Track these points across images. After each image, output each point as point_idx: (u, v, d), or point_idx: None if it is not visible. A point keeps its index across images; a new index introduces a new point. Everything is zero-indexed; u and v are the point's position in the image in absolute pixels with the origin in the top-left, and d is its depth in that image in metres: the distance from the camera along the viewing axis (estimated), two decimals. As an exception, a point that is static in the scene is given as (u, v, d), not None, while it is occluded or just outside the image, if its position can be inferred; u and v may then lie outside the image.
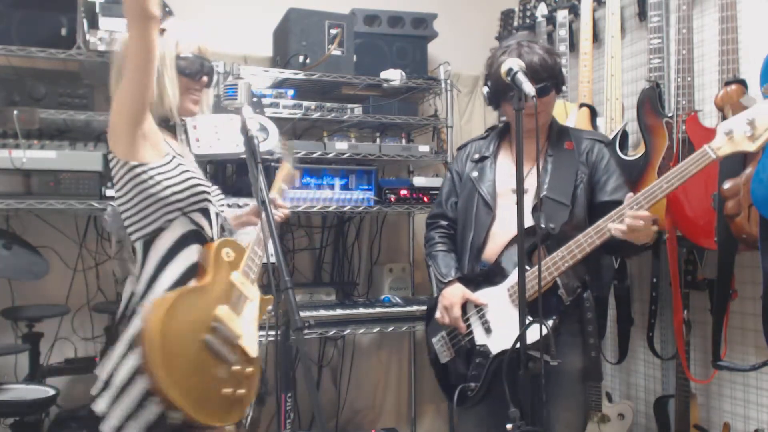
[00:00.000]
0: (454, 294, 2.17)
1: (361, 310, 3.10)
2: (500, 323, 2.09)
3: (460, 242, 2.30)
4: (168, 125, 1.83)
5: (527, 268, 1.97)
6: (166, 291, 1.70)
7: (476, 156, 2.32)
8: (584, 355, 2.08)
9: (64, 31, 2.74)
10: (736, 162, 2.18)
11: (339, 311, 3.05)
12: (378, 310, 3.13)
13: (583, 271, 2.07)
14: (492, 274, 2.15)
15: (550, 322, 1.98)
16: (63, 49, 2.69)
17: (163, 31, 1.73)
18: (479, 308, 2.15)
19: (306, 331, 1.44)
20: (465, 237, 2.26)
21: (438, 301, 2.23)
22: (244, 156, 1.66)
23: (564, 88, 2.80)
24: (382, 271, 3.47)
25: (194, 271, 1.75)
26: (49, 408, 2.64)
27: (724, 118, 2.23)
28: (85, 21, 2.70)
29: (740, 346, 2.44)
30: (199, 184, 1.78)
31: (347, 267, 3.56)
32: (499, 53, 2.16)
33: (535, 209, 2.10)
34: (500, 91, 2.16)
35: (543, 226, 2.05)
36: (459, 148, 2.46)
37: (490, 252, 2.18)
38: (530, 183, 2.12)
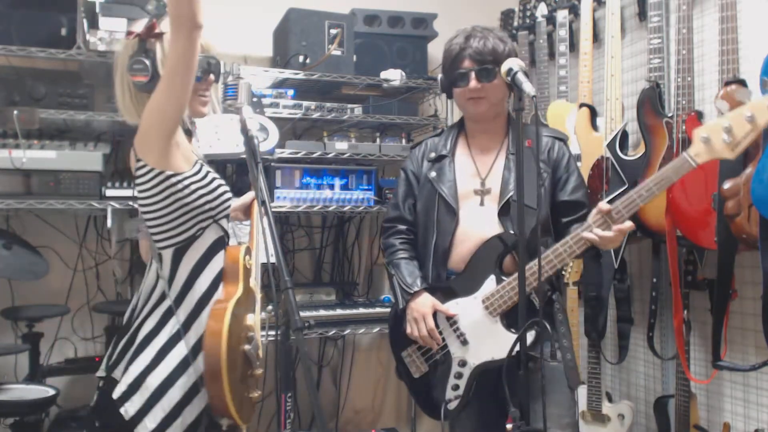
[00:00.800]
0: (424, 305, 2.07)
1: (361, 310, 3.10)
2: (477, 334, 2.02)
3: (422, 247, 2.19)
4: (185, 129, 1.79)
5: (503, 278, 2.01)
6: (201, 297, 1.68)
7: (432, 155, 2.22)
8: (563, 364, 2.02)
9: (64, 31, 2.74)
10: (736, 162, 2.18)
11: (339, 311, 3.05)
12: (378, 310, 3.13)
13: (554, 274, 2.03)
14: (460, 283, 2.07)
15: (534, 330, 1.90)
16: (63, 49, 2.69)
17: (161, 34, 1.68)
18: (451, 320, 2.06)
19: (306, 331, 1.44)
20: (427, 242, 2.16)
21: (405, 314, 2.12)
22: (244, 156, 1.66)
23: (562, 88, 2.76)
24: (382, 271, 3.47)
25: (221, 276, 1.73)
26: (49, 408, 2.64)
27: (724, 118, 2.23)
28: (85, 21, 2.70)
29: (740, 346, 2.44)
30: (227, 191, 1.76)
31: (347, 267, 3.56)
32: (453, 37, 2.15)
33: (503, 212, 2.07)
34: (450, 79, 2.13)
35: (512, 232, 2.01)
36: (412, 147, 2.35)
37: (457, 259, 2.09)
38: (492, 182, 2.10)
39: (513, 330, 1.95)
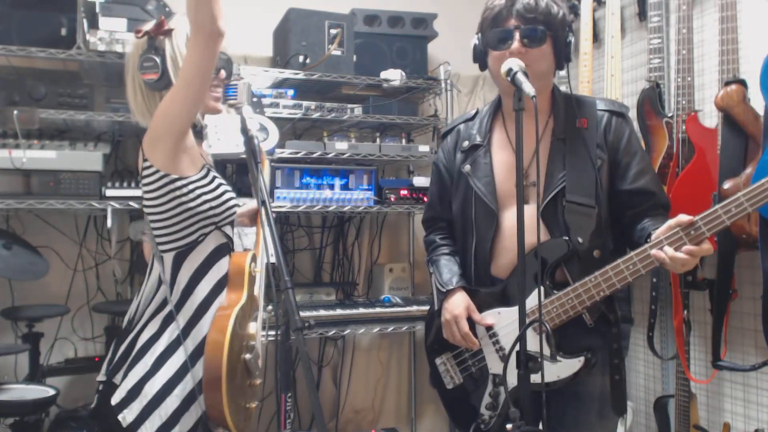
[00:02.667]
0: (457, 305, 1.85)
1: (361, 310, 3.10)
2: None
3: (462, 250, 1.96)
4: (195, 131, 1.78)
5: (554, 291, 1.74)
6: (201, 303, 1.67)
7: (465, 144, 1.93)
8: (606, 377, 1.80)
9: (64, 31, 2.73)
10: (736, 162, 2.18)
11: (339, 311, 3.05)
12: (378, 310, 3.13)
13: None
14: (504, 293, 1.83)
15: (583, 358, 1.72)
16: (63, 49, 2.68)
17: (170, 31, 1.67)
18: (491, 331, 1.84)
19: (306, 331, 1.43)
20: (466, 245, 1.92)
21: (440, 316, 1.91)
22: (244, 156, 1.66)
23: (562, 88, 2.56)
24: (382, 271, 3.47)
25: (224, 283, 1.71)
26: (49, 408, 2.64)
27: (724, 117, 2.23)
28: (85, 21, 2.70)
29: (740, 346, 2.44)
30: (232, 197, 1.76)
31: (347, 267, 3.56)
32: None
33: (549, 210, 1.76)
34: (488, 40, 1.80)
35: (566, 238, 1.72)
36: (443, 135, 2.05)
37: (501, 266, 1.85)
38: (534, 174, 1.73)
39: (559, 351, 1.71)
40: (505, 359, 1.81)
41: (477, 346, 1.86)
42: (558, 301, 1.73)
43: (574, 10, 3.06)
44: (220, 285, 1.71)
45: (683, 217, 1.60)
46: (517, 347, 1.49)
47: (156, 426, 1.59)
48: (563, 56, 1.80)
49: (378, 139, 3.30)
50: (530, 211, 1.70)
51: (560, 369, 1.71)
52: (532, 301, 1.68)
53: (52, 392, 2.55)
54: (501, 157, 1.88)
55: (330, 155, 3.07)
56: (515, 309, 1.72)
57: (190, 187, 1.65)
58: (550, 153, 1.81)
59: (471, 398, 1.88)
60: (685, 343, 2.48)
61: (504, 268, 1.85)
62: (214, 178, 1.73)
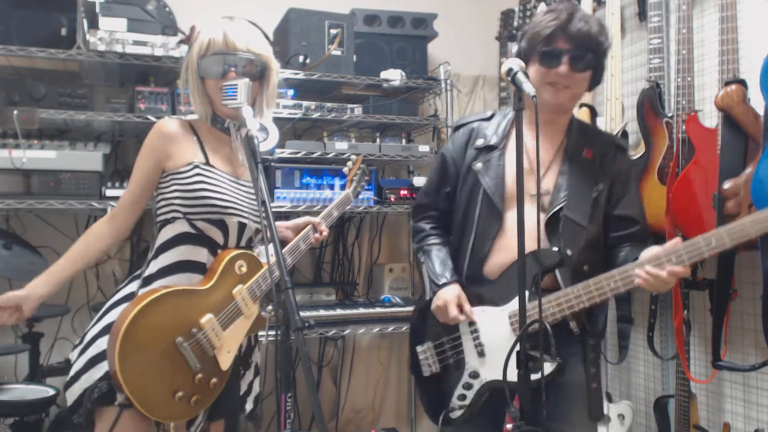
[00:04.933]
0: (450, 293, 1.91)
1: (361, 310, 3.10)
2: (495, 349, 1.87)
3: (457, 244, 2.01)
4: (224, 127, 1.88)
5: (536, 296, 1.80)
6: (148, 276, 1.81)
7: (480, 142, 1.97)
8: (585, 366, 1.90)
9: (64, 31, 2.74)
10: (736, 162, 2.18)
11: (339, 311, 3.05)
12: (378, 310, 3.13)
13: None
14: (492, 292, 1.90)
15: (556, 364, 1.78)
16: (63, 49, 2.69)
17: (195, 35, 1.82)
18: (473, 326, 1.92)
19: (306, 331, 1.44)
20: (463, 241, 1.97)
21: (430, 305, 1.98)
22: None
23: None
24: (382, 271, 3.47)
25: (183, 268, 1.81)
26: (49, 408, 2.64)
27: (724, 118, 2.23)
28: (85, 21, 2.70)
29: (740, 346, 2.44)
30: (210, 197, 1.80)
31: (347, 267, 3.56)
32: (550, 10, 1.88)
33: (550, 223, 1.85)
34: (538, 53, 1.85)
35: (556, 249, 1.82)
36: (457, 127, 2.07)
37: (494, 266, 1.91)
38: (546, 185, 1.88)
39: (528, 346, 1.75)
40: (483, 355, 1.90)
41: (463, 320, 1.91)
42: (545, 305, 1.80)
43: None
44: (170, 269, 1.80)
45: (661, 248, 1.73)
46: (517, 347, 1.52)
47: (81, 364, 1.76)
48: (596, 82, 1.94)
49: (378, 139, 3.30)
50: (532, 216, 1.70)
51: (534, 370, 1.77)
52: (514, 305, 1.80)
53: (52, 392, 2.55)
54: (513, 161, 1.84)
55: (330, 155, 3.07)
56: (499, 309, 1.87)
57: (168, 178, 1.82)
58: (560, 168, 1.92)
59: (444, 388, 1.96)
60: (685, 343, 2.48)
61: (496, 268, 1.91)
62: (198, 174, 1.81)
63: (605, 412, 2.79)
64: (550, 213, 1.86)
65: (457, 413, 1.92)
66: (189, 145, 1.83)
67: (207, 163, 1.83)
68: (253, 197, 1.90)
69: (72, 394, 1.75)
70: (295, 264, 3.42)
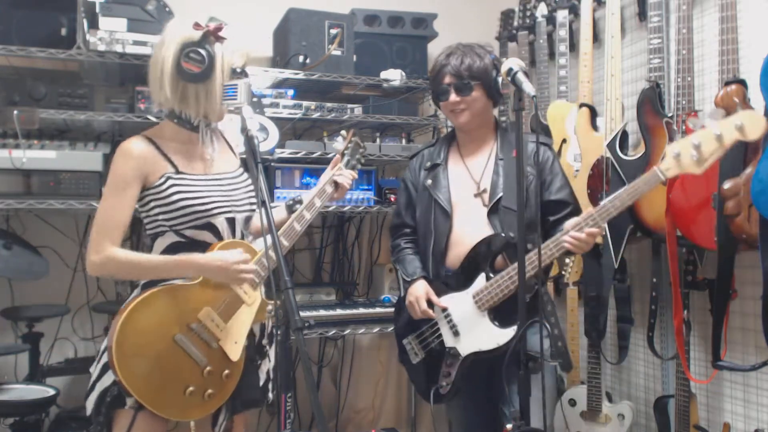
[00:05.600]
0: (418, 289, 2.26)
1: (361, 310, 3.10)
2: (467, 327, 2.18)
3: (422, 250, 2.36)
4: (192, 126, 1.86)
5: (491, 275, 2.16)
6: (144, 283, 1.82)
7: (428, 164, 2.39)
8: (552, 346, 2.16)
9: (64, 31, 2.74)
10: (736, 162, 2.18)
11: (339, 311, 3.05)
12: (378, 310, 3.13)
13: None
14: (455, 281, 2.22)
15: (515, 327, 2.02)
16: (63, 49, 2.69)
17: (223, 39, 1.79)
18: (445, 312, 2.22)
19: (306, 331, 1.44)
20: (426, 244, 2.32)
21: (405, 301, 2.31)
22: (244, 156, 1.66)
23: (562, 88, 2.81)
24: (382, 271, 3.47)
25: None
26: (49, 408, 2.64)
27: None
28: (85, 21, 2.70)
29: (740, 346, 2.44)
30: (189, 205, 1.81)
31: (347, 267, 3.56)
32: (439, 54, 2.32)
33: (492, 213, 2.22)
34: (435, 93, 2.32)
35: (503, 234, 2.17)
36: (411, 157, 2.52)
37: (453, 258, 2.25)
38: (485, 184, 2.26)
39: (497, 323, 2.14)
40: (458, 334, 2.20)
41: (434, 316, 2.24)
42: (495, 284, 2.13)
43: (574, 10, 3.07)
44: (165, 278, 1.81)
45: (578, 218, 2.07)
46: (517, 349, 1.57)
47: (97, 371, 1.78)
48: (495, 94, 2.26)
49: (378, 139, 3.30)
50: (479, 212, 2.23)
51: (498, 337, 2.11)
52: (476, 287, 2.17)
53: (52, 392, 2.55)
54: (454, 173, 2.34)
55: (330, 155, 3.07)
56: (464, 293, 2.20)
57: (145, 196, 1.83)
58: (494, 169, 2.27)
59: (432, 371, 2.26)
60: (685, 343, 2.48)
61: (455, 260, 2.25)
62: (172, 186, 1.81)
63: (602, 409, 2.80)
64: (490, 206, 2.22)
65: (445, 389, 2.22)
66: (157, 160, 1.82)
67: (177, 171, 1.82)
68: (232, 186, 1.91)
69: (90, 403, 1.77)
70: (295, 264, 3.46)
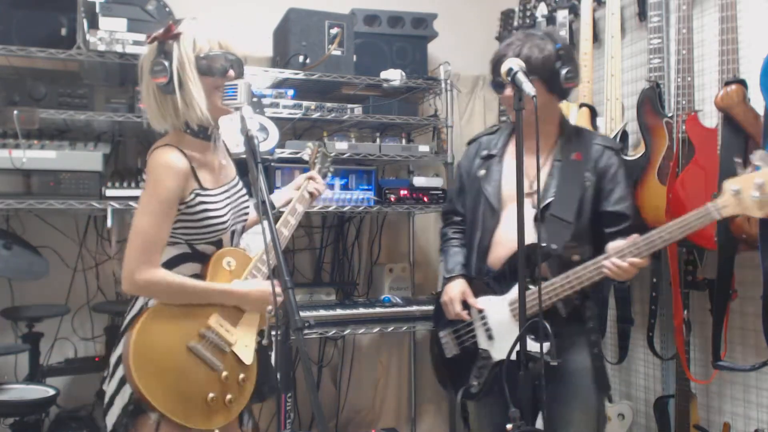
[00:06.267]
0: (453, 289, 2.19)
1: (361, 310, 3.10)
2: (501, 333, 2.11)
3: (468, 241, 2.28)
4: (206, 135, 1.82)
5: (530, 287, 1.98)
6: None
7: (484, 153, 2.27)
8: (588, 352, 2.10)
9: (64, 31, 2.73)
10: (736, 162, 2.18)
11: (339, 311, 3.05)
12: (378, 310, 3.13)
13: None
14: (496, 282, 2.15)
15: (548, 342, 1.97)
16: (63, 49, 2.68)
17: (178, 35, 1.72)
18: (481, 313, 2.16)
19: (306, 331, 1.44)
20: (472, 237, 2.24)
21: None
22: (244, 156, 1.66)
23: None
24: (382, 271, 3.47)
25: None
26: (49, 408, 2.64)
27: (724, 118, 2.23)
28: (85, 21, 2.70)
29: (740, 346, 2.44)
30: (213, 224, 1.79)
31: (347, 267, 3.56)
32: (501, 44, 2.18)
33: (537, 220, 2.06)
34: (493, 86, 2.20)
35: (544, 245, 2.03)
36: (469, 143, 2.41)
37: (494, 258, 2.16)
38: (536, 186, 2.06)
39: (531, 335, 1.96)
40: (492, 338, 2.14)
41: (467, 318, 2.18)
42: (532, 296, 1.97)
43: (574, 10, 3.07)
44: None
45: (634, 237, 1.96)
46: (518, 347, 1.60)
47: (113, 388, 1.75)
48: (556, 87, 2.08)
49: (378, 139, 3.30)
50: (528, 213, 1.99)
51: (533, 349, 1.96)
52: (513, 294, 2.05)
53: (52, 392, 2.55)
54: (509, 166, 2.16)
55: (330, 155, 3.06)
56: (501, 298, 2.11)
57: (178, 213, 1.77)
58: (550, 170, 2.14)
59: (464, 368, 2.22)
60: (685, 343, 2.48)
61: (496, 260, 2.15)
62: (200, 203, 1.77)
63: (606, 408, 2.79)
64: (537, 210, 2.07)
65: (475, 388, 2.16)
66: (189, 175, 1.77)
67: (201, 187, 1.79)
68: (236, 196, 1.90)
69: (111, 417, 1.74)
70: (295, 264, 3.45)
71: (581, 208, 2.09)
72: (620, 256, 1.93)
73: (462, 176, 2.35)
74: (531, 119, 2.01)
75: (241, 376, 1.80)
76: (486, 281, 2.17)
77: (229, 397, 1.77)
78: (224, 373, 1.76)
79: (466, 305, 2.18)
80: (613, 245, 1.97)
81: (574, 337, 2.09)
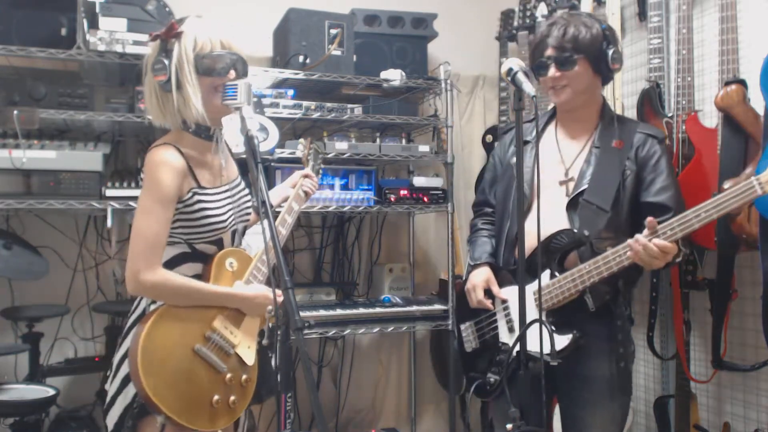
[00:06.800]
0: (477, 277, 2.14)
1: (361, 310, 3.10)
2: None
3: (498, 231, 2.22)
4: (208, 135, 1.82)
5: (556, 274, 1.96)
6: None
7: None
8: (612, 363, 2.00)
9: (64, 31, 2.73)
10: (736, 162, 2.18)
11: (339, 311, 3.05)
12: (378, 310, 3.12)
13: (615, 278, 1.95)
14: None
15: (571, 336, 1.92)
16: (63, 49, 2.68)
17: (179, 34, 1.73)
18: (504, 304, 2.09)
19: (306, 331, 1.44)
20: (502, 227, 2.17)
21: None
22: (244, 156, 1.66)
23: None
24: (382, 271, 3.47)
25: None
26: (49, 408, 2.64)
27: (724, 118, 2.23)
28: (85, 21, 2.70)
29: (740, 346, 2.44)
30: (211, 222, 1.79)
31: (347, 267, 3.56)
32: (540, 26, 2.14)
33: (571, 207, 2.00)
34: (534, 69, 2.09)
35: (576, 231, 1.95)
36: (504, 132, 2.35)
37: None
38: (573, 174, 2.04)
39: (554, 328, 1.92)
40: (513, 330, 2.06)
41: (490, 308, 2.11)
42: (557, 284, 1.95)
43: (574, 10, 3.06)
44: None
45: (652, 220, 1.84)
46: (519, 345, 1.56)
47: (115, 387, 1.75)
48: (603, 68, 2.04)
49: (378, 139, 3.30)
50: (561, 201, 2.01)
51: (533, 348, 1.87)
52: (536, 284, 1.86)
53: (52, 392, 2.55)
54: (545, 152, 2.10)
55: (330, 155, 3.07)
56: (527, 287, 1.83)
57: (176, 212, 1.77)
58: (587, 158, 2.05)
59: (483, 362, 2.15)
60: (685, 343, 2.48)
61: (527, 248, 1.99)
62: (198, 202, 1.77)
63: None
64: (571, 197, 2.01)
65: (492, 383, 2.10)
66: (187, 173, 1.77)
67: (199, 186, 1.79)
68: (238, 196, 1.90)
69: (112, 417, 1.74)
70: (295, 264, 3.45)
71: (619, 197, 1.99)
72: (649, 235, 1.80)
73: (496, 165, 2.29)
74: (574, 103, 2.05)
75: (244, 377, 1.81)
76: (512, 271, 2.09)
77: (232, 398, 1.77)
78: (228, 375, 1.76)
79: (490, 294, 2.12)
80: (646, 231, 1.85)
81: (601, 342, 1.99)
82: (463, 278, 2.26)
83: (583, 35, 2.00)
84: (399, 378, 3.63)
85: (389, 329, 3.12)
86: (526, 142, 2.15)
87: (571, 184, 2.03)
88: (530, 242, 1.95)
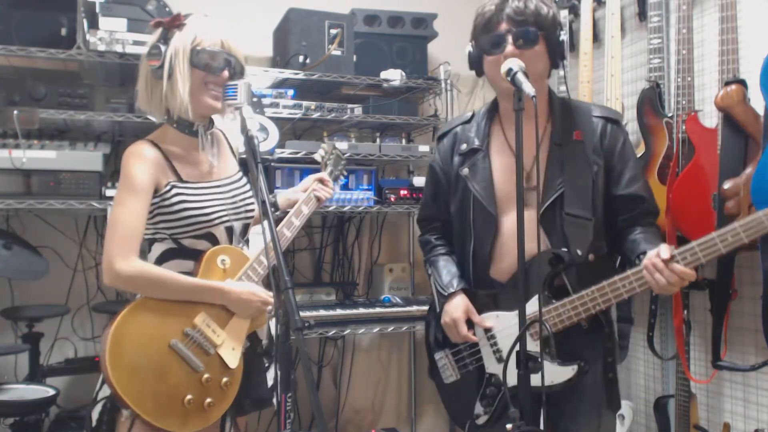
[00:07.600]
0: (456, 308, 1.90)
1: (361, 310, 3.10)
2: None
3: (459, 251, 1.99)
4: (191, 130, 1.83)
5: (553, 301, 1.79)
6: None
7: (464, 147, 1.93)
8: (601, 375, 1.87)
9: (64, 31, 2.74)
10: (736, 162, 2.18)
11: (339, 311, 3.05)
12: (378, 310, 3.13)
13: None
14: (504, 297, 1.87)
15: (576, 366, 1.78)
16: (63, 49, 2.69)
17: (182, 25, 1.76)
18: (489, 332, 1.89)
19: (306, 331, 1.44)
20: (464, 247, 1.94)
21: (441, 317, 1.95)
22: (244, 156, 1.66)
23: (562, 88, 2.52)
24: (382, 271, 3.47)
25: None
26: (49, 408, 2.64)
27: (724, 117, 2.23)
28: (85, 21, 2.70)
29: (740, 346, 2.44)
30: (192, 215, 1.78)
31: (347, 267, 3.56)
32: (486, 2, 1.83)
33: (546, 218, 1.79)
34: (482, 46, 1.82)
35: (566, 250, 1.76)
36: (440, 137, 2.06)
37: (501, 270, 1.88)
38: (535, 180, 1.74)
39: (557, 360, 1.77)
40: (503, 360, 1.85)
41: (475, 340, 1.91)
42: (556, 311, 1.79)
43: (574, 10, 3.07)
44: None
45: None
46: (517, 347, 1.52)
47: (100, 382, 1.75)
48: (557, 55, 1.83)
49: (378, 139, 3.30)
50: (530, 216, 1.67)
51: (554, 375, 1.76)
52: (531, 308, 1.64)
53: (52, 392, 2.55)
54: (500, 161, 1.90)
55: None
56: (514, 314, 1.71)
57: (153, 204, 1.78)
58: (549, 158, 1.85)
59: (467, 394, 1.93)
60: (685, 343, 2.48)
61: (504, 271, 1.88)
62: (177, 195, 1.78)
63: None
64: (544, 207, 1.80)
65: (483, 419, 1.89)
66: (164, 166, 1.78)
67: (180, 180, 1.79)
68: (233, 192, 1.89)
69: (95, 413, 1.74)
70: (295, 264, 3.45)
71: (595, 199, 1.82)
72: (668, 262, 1.61)
73: (438, 178, 2.03)
74: (528, 107, 1.63)
75: (224, 380, 1.76)
76: (493, 294, 1.89)
77: (208, 400, 1.71)
78: (206, 375, 1.71)
79: (470, 323, 1.90)
80: (654, 252, 1.67)
81: (590, 348, 1.86)
82: (436, 306, 2.00)
83: (545, 12, 1.77)
84: (399, 378, 3.63)
85: (389, 329, 3.12)
86: (475, 151, 1.92)
87: (532, 193, 1.77)
88: (510, 261, 1.82)
